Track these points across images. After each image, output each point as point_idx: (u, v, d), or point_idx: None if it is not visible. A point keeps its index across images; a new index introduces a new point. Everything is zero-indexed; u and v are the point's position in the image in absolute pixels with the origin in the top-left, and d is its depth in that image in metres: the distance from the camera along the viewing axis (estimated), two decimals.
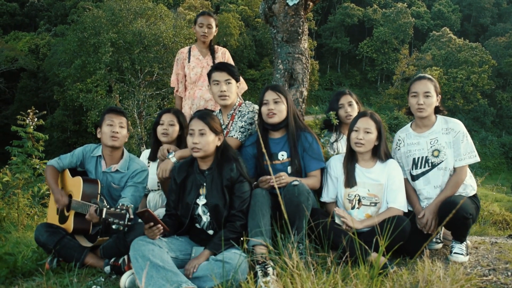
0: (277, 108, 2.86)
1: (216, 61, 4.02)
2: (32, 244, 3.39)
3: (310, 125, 3.45)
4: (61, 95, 29.81)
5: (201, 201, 2.59)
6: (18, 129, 5.27)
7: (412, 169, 2.96)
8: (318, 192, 2.97)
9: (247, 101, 3.24)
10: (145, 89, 24.93)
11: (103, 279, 2.67)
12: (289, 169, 2.88)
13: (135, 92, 24.30)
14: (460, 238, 2.79)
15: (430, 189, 2.89)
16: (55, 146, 29.56)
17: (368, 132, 2.77)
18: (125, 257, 2.70)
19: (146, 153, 3.67)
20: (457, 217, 2.58)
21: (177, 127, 3.42)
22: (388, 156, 2.87)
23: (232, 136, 3.03)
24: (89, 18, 25.04)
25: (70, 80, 25.75)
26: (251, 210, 2.53)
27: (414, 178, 2.95)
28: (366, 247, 2.35)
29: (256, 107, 3.14)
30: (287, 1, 3.80)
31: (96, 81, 24.64)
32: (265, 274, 2.21)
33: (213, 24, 4.03)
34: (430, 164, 2.89)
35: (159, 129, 3.41)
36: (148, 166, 3.46)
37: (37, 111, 5.44)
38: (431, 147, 2.89)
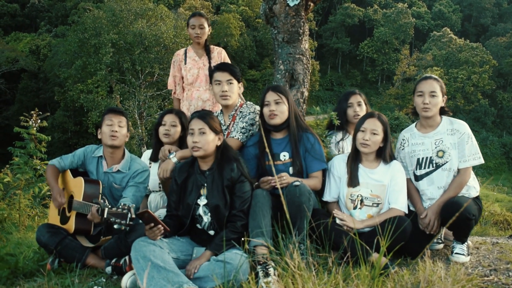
0: (279, 109, 2.86)
1: (212, 61, 4.02)
2: (34, 245, 3.40)
3: (311, 125, 3.44)
4: (62, 96, 29.82)
5: (202, 201, 2.59)
6: (21, 130, 5.29)
7: (416, 169, 2.95)
8: (319, 192, 2.96)
9: (248, 102, 3.24)
10: (145, 90, 24.94)
11: (104, 280, 2.68)
12: (290, 169, 2.87)
13: (136, 92, 24.30)
14: (462, 239, 2.79)
15: (433, 190, 2.89)
16: (55, 147, 29.54)
17: (374, 134, 2.77)
18: (127, 257, 2.70)
19: (147, 153, 3.66)
20: (460, 217, 2.58)
21: (179, 128, 3.41)
22: (392, 157, 2.87)
23: (233, 137, 3.03)
24: (90, 19, 25.06)
25: (71, 81, 25.78)
26: (252, 211, 2.53)
27: (418, 178, 2.94)
28: (367, 248, 2.36)
29: (258, 107, 3.13)
30: (288, 2, 3.80)
31: (96, 82, 24.67)
32: (266, 274, 2.21)
33: (205, 24, 4.01)
34: (434, 165, 2.89)
35: (161, 130, 3.40)
36: (150, 166, 3.46)
37: (40, 112, 5.46)
38: (435, 147, 2.89)
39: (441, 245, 3.11)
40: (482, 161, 2.85)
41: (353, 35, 58.80)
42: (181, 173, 2.67)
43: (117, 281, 2.63)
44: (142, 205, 3.39)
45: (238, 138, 3.02)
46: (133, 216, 2.41)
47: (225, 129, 3.12)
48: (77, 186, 2.93)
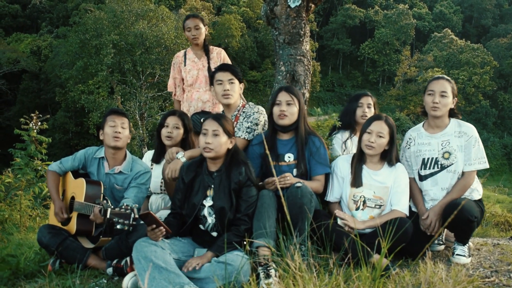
0: (289, 110, 2.84)
1: (212, 61, 4.02)
2: (35, 246, 3.40)
3: (313, 126, 3.45)
4: (63, 97, 29.87)
5: (208, 202, 2.59)
6: (22, 132, 5.30)
7: (421, 169, 2.95)
8: (320, 194, 2.96)
9: (250, 102, 3.25)
10: (146, 91, 24.95)
11: (105, 281, 2.68)
12: (294, 171, 2.87)
13: (137, 93, 24.31)
14: (463, 240, 2.79)
15: (437, 191, 2.88)
16: (56, 147, 29.57)
17: (380, 136, 2.77)
18: (128, 258, 2.70)
19: (149, 154, 3.64)
20: (462, 219, 2.59)
21: (181, 130, 3.39)
22: (397, 160, 2.87)
23: (239, 137, 3.03)
24: (91, 20, 25.07)
25: (72, 81, 25.78)
26: (257, 211, 2.52)
27: (422, 178, 2.94)
28: (368, 249, 2.36)
29: (261, 108, 3.14)
30: (289, 3, 3.81)
31: (97, 83, 24.66)
32: (267, 276, 2.22)
33: (201, 25, 3.99)
34: (439, 166, 2.88)
35: (164, 131, 3.37)
36: (151, 168, 3.44)
37: (40, 115, 5.47)
38: (442, 148, 2.88)
39: (442, 246, 3.11)
40: (487, 165, 2.84)
41: (354, 36, 58.78)
42: (188, 172, 2.66)
43: (118, 282, 2.64)
44: (143, 207, 3.39)
45: (245, 138, 3.03)
46: (136, 216, 2.41)
47: None
48: (79, 187, 2.94)
